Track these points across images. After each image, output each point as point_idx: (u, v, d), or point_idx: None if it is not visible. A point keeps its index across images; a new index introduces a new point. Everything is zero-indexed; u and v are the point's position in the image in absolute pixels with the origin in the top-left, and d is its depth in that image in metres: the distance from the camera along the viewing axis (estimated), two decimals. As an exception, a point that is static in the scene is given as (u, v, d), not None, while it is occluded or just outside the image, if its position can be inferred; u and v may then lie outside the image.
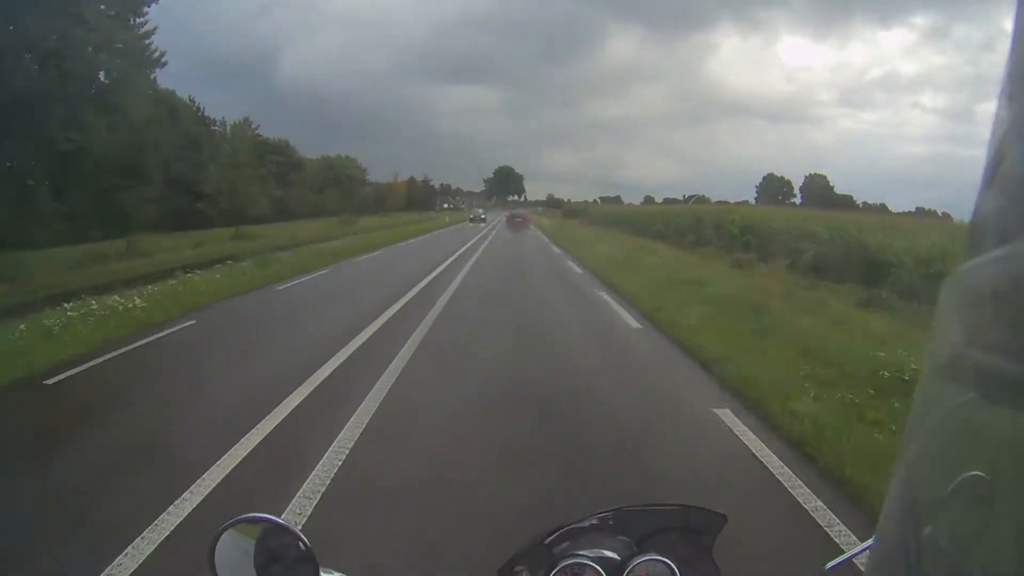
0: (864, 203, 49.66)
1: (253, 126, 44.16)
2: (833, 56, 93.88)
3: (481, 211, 56.45)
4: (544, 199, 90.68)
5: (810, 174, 58.69)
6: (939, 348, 0.46)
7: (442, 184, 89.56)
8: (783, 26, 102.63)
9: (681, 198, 60.05)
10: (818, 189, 56.80)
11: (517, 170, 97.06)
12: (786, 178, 60.47)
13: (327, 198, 44.84)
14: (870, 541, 0.65)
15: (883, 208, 44.24)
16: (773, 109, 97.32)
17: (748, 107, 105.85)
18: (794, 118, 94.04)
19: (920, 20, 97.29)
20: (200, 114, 37.26)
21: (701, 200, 54.80)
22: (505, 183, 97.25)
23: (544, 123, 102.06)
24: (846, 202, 50.33)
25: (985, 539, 0.41)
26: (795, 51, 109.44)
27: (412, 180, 64.59)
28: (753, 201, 57.66)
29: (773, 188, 62.41)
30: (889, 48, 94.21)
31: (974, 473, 0.41)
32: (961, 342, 0.43)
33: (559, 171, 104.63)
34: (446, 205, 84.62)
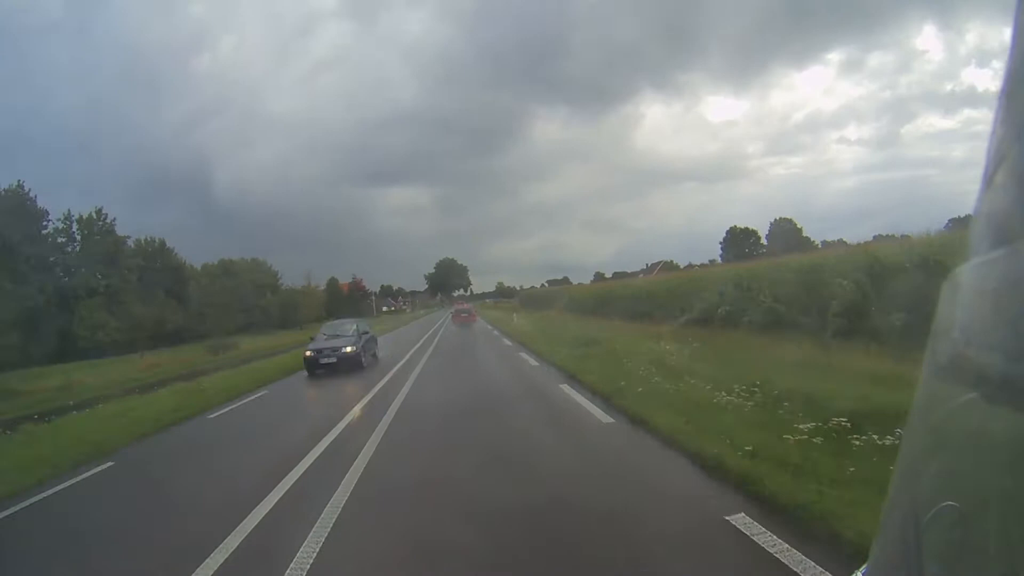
0: (823, 241, 47.09)
1: (106, 220, 34.59)
2: (756, 107, 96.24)
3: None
4: (492, 290, 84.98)
5: (776, 219, 55.67)
6: (939, 348, 0.46)
7: (383, 286, 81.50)
8: (703, 87, 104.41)
9: (643, 267, 55.79)
10: (784, 234, 53.21)
11: (460, 261, 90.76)
12: (751, 228, 57.58)
13: (213, 313, 34.23)
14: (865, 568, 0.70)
15: (841, 243, 41.80)
16: (704, 169, 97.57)
17: (679, 171, 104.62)
18: (725, 175, 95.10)
19: (834, 55, 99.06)
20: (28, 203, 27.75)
21: (669, 266, 50.97)
22: (448, 277, 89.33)
23: (482, 215, 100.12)
24: (807, 244, 47.90)
25: (985, 537, 0.41)
26: (718, 109, 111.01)
27: (333, 282, 55.07)
28: (719, 259, 54.87)
29: (739, 241, 58.80)
30: (807, 89, 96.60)
31: (949, 504, 0.43)
32: (961, 342, 0.43)
33: (502, 261, 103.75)
34: (385, 308, 75.31)
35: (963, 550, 0.43)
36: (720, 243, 57.48)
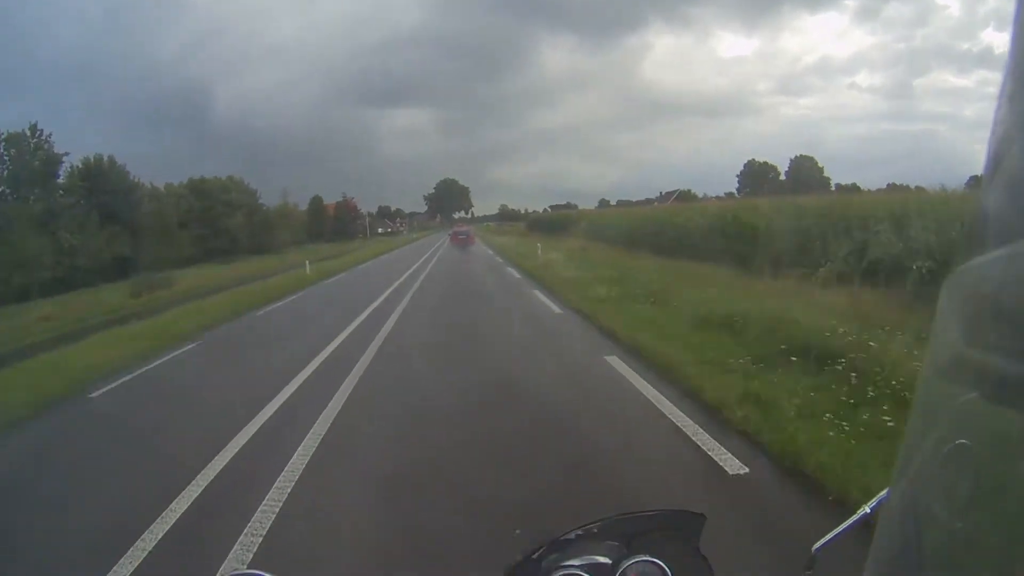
0: (837, 184, 44.96)
1: (41, 136, 28.67)
2: (767, 47, 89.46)
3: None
4: (494, 213, 79.26)
5: (797, 156, 52.29)
6: (939, 348, 0.46)
7: (380, 207, 75.78)
8: (714, 21, 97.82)
9: (659, 195, 51.26)
10: (805, 171, 51.01)
11: (462, 182, 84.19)
12: (770, 163, 53.67)
13: (148, 241, 27.97)
14: (855, 517, 0.77)
15: (856, 188, 39.60)
16: (711, 104, 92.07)
17: (686, 104, 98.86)
18: (733, 111, 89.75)
19: (850, 1, 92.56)
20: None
21: (686, 196, 47.10)
22: (449, 198, 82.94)
23: (485, 139, 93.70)
24: (824, 184, 46.39)
25: (985, 536, 0.42)
26: (728, 45, 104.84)
27: (317, 201, 48.59)
28: (735, 192, 51.90)
29: (757, 175, 55.11)
30: (820, 32, 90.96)
31: (960, 442, 0.42)
32: (961, 342, 0.43)
33: (505, 185, 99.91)
34: (381, 230, 69.83)
35: (963, 549, 0.43)
36: (737, 176, 53.82)
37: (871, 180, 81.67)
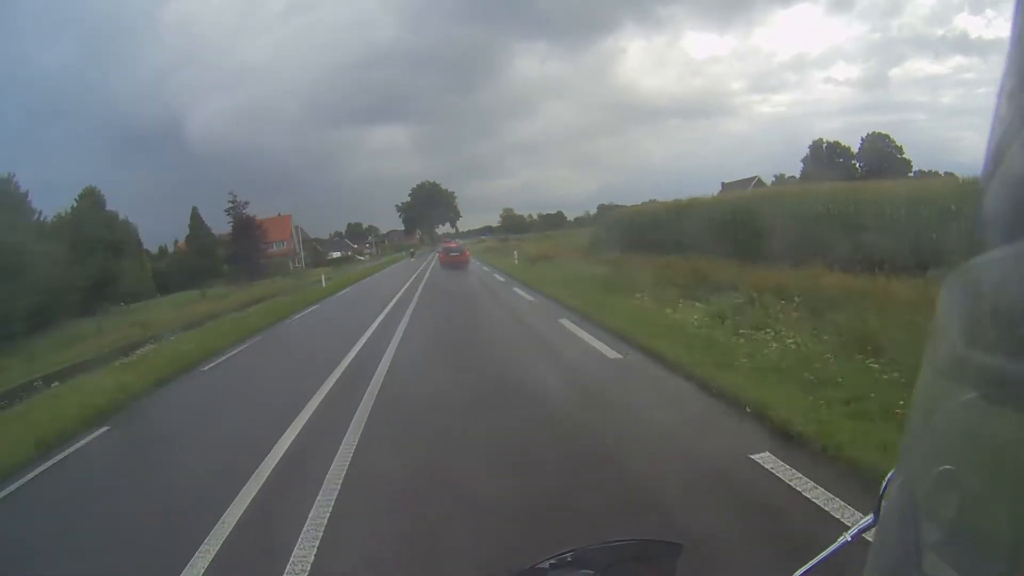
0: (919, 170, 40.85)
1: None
2: (739, 45, 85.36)
3: None
4: (479, 228, 64.78)
5: (870, 134, 46.99)
6: (939, 348, 0.46)
7: (350, 224, 62.12)
8: (685, 21, 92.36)
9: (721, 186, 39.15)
10: (883, 154, 45.30)
11: (445, 187, 67.63)
12: (841, 143, 48.03)
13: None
14: (835, 546, 0.77)
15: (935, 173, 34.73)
16: (687, 106, 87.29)
17: (662, 107, 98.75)
18: (709, 111, 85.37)
19: None
20: None
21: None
22: (429, 208, 65.44)
23: (463, 154, 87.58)
24: (904, 168, 42.63)
25: (985, 536, 0.41)
26: (701, 45, 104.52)
27: (196, 220, 33.76)
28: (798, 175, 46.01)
29: (826, 157, 48.15)
30: (794, 27, 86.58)
31: (947, 467, 0.42)
32: (961, 342, 0.43)
33: (487, 200, 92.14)
34: (338, 254, 52.79)
35: (963, 549, 0.43)
36: (802, 160, 48.08)
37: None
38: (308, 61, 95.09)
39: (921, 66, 79.48)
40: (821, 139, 48.74)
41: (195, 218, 34.81)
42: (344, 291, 21.56)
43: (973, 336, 0.42)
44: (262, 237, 35.42)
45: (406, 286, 18.42)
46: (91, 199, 27.95)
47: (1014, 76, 0.41)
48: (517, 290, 14.21)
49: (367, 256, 56.62)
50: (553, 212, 63.90)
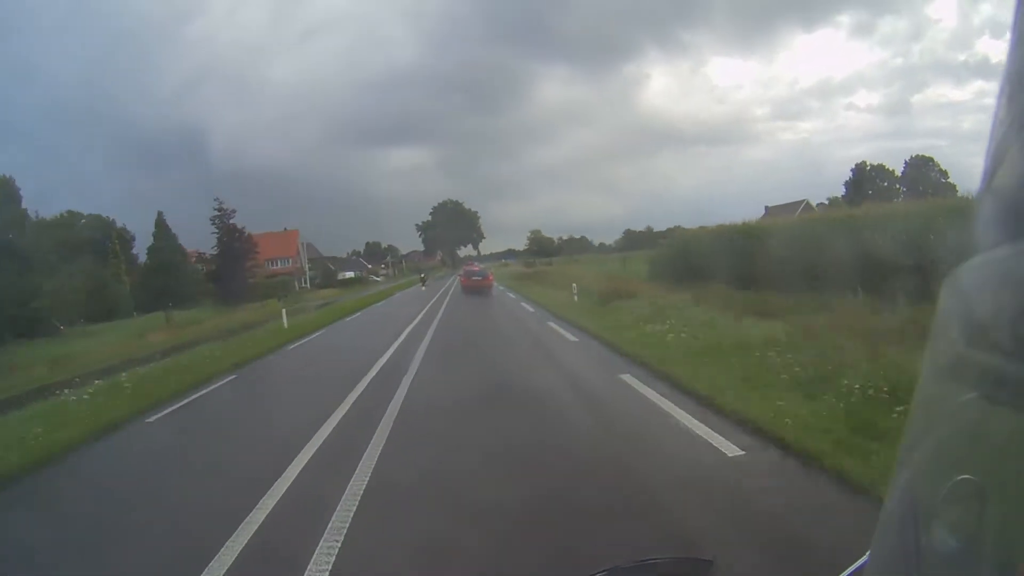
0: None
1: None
2: (764, 70, 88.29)
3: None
4: (503, 251, 61.16)
5: (913, 157, 47.12)
6: (939, 348, 0.46)
7: (368, 243, 59.47)
8: (708, 47, 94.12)
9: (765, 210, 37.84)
10: (926, 176, 45.28)
11: (469, 206, 63.68)
12: (886, 167, 47.54)
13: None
14: (863, 559, 0.71)
15: None
16: (711, 132, 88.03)
17: (687, 133, 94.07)
18: (733, 139, 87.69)
19: (845, 18, 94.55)
20: None
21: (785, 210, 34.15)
22: (452, 229, 61.59)
23: (486, 177, 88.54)
24: (948, 190, 39.55)
25: (984, 536, 0.42)
26: (724, 71, 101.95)
27: (161, 221, 28.25)
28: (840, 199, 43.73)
29: (868, 180, 47.36)
30: (817, 52, 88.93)
31: (966, 476, 0.42)
32: (961, 342, 0.43)
33: (508, 224, 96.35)
34: (351, 274, 49.88)
35: (964, 550, 0.43)
36: (845, 183, 47.74)
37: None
38: (332, 81, 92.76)
39: (943, 92, 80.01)
40: (864, 162, 48.07)
41: (160, 226, 29.31)
42: (308, 339, 14.08)
43: (973, 336, 0.42)
44: (250, 252, 29.88)
45: (402, 338, 11.83)
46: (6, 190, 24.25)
47: (1014, 78, 0.41)
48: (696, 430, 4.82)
49: (382, 277, 52.64)
50: (577, 236, 60.08)
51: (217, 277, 28.76)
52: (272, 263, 37.80)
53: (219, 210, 29.41)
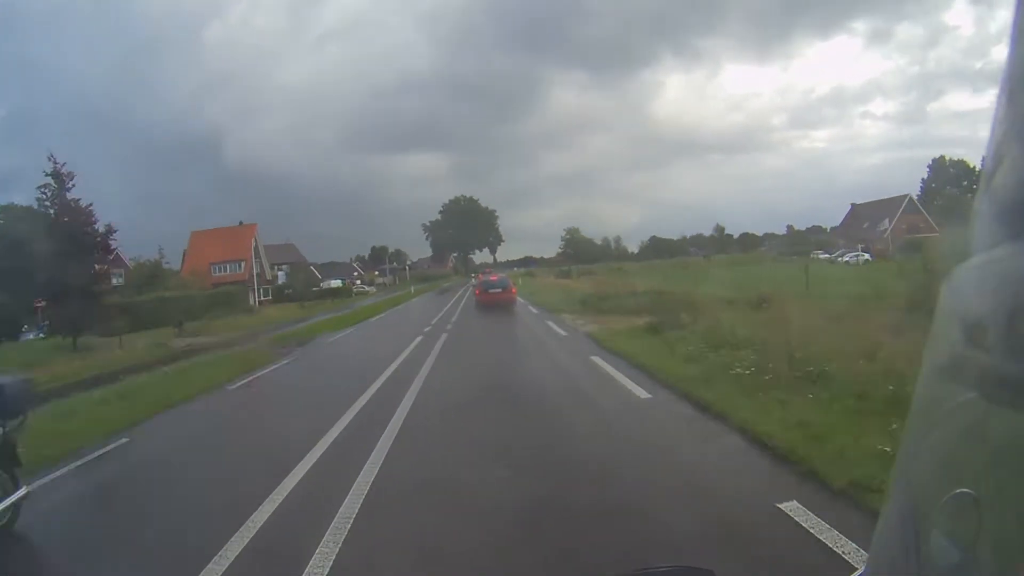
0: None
1: None
2: (779, 78, 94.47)
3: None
4: (519, 258, 53.19)
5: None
6: (939, 348, 0.46)
7: (374, 248, 56.25)
8: (724, 54, 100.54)
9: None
10: (950, 178, 43.28)
11: (485, 204, 54.35)
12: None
13: None
14: (863, 568, 0.69)
15: None
16: (729, 140, 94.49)
17: (704, 141, 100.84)
18: (749, 147, 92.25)
19: (860, 25, 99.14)
20: None
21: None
22: (465, 230, 51.91)
23: (501, 183, 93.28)
24: None
25: (984, 540, 0.41)
26: (740, 79, 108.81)
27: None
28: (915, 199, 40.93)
29: (946, 176, 44.27)
30: (832, 60, 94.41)
31: (964, 490, 0.42)
32: (961, 342, 0.43)
33: (524, 231, 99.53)
34: (334, 282, 40.21)
35: (963, 550, 0.43)
36: (921, 181, 45.61)
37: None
38: (345, 88, 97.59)
39: (960, 100, 79.30)
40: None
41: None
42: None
43: (973, 336, 0.42)
44: (100, 247, 17.46)
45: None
46: None
47: (1014, 78, 0.41)
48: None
49: (375, 288, 43.26)
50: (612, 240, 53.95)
51: (51, 290, 16.81)
52: (219, 268, 28.64)
53: (52, 174, 16.94)
